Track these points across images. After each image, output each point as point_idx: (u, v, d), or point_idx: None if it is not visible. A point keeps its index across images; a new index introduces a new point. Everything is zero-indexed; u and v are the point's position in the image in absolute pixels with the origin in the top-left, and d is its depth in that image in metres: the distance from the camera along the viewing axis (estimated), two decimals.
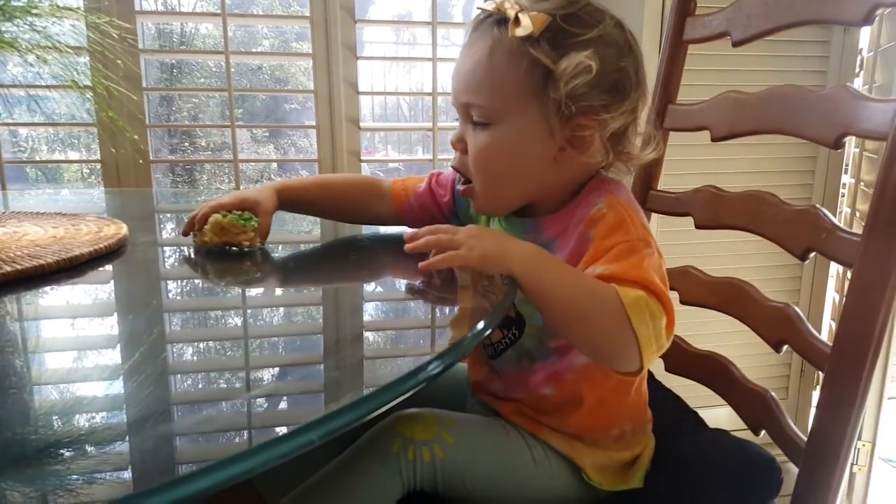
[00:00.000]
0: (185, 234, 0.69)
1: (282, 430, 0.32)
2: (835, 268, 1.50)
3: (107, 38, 0.74)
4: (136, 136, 1.21)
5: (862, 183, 1.39)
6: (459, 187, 0.69)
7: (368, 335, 0.51)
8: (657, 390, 0.81)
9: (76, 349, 0.47)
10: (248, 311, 0.57)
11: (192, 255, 0.69)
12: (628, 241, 0.57)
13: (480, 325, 0.47)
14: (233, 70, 1.33)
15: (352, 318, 0.57)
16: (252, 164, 1.66)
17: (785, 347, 0.70)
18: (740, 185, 0.83)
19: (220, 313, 0.56)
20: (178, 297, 0.61)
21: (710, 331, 0.99)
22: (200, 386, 0.42)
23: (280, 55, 1.76)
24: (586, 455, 0.64)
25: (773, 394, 0.72)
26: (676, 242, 1.18)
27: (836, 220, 0.65)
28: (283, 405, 0.40)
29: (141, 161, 1.32)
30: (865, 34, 1.40)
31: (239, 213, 0.67)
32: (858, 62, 1.43)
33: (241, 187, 1.43)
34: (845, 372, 0.60)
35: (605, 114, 0.59)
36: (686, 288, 0.84)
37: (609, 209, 0.60)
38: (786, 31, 0.73)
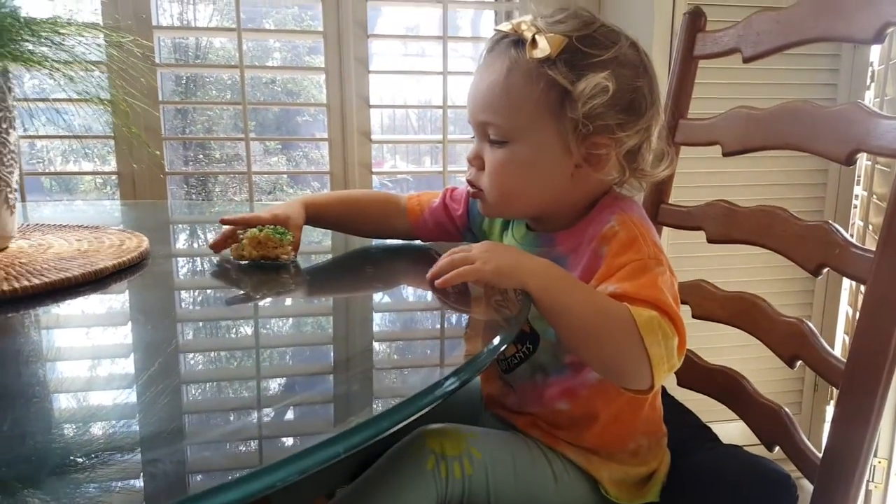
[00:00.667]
0: (217, 249, 0.71)
1: (305, 443, 0.33)
2: (848, 281, 1.49)
3: (131, 57, 0.76)
4: (157, 152, 1.24)
5: (875, 196, 1.39)
6: (470, 190, 0.70)
7: (385, 347, 0.52)
8: (670, 405, 0.81)
9: (96, 358, 0.48)
10: (277, 321, 0.59)
11: (217, 268, 0.70)
12: (640, 260, 0.58)
13: (496, 339, 0.48)
14: (247, 83, 1.35)
15: (363, 330, 0.58)
16: (265, 175, 1.68)
17: (798, 363, 0.70)
18: (752, 197, 0.83)
19: (244, 324, 0.57)
20: (198, 308, 0.62)
21: (723, 345, 0.99)
22: (232, 395, 0.43)
23: (294, 69, 1.78)
24: (603, 469, 0.64)
25: (786, 409, 0.72)
26: (688, 256, 1.18)
27: (848, 236, 0.65)
28: (307, 417, 0.41)
29: (163, 175, 1.34)
30: (876, 48, 1.40)
31: (273, 227, 0.68)
32: (869, 75, 1.43)
33: (255, 198, 1.44)
34: (860, 388, 0.60)
35: (620, 132, 0.60)
36: (698, 302, 0.84)
37: (621, 227, 0.60)
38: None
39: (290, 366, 0.50)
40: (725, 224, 0.81)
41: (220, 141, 1.75)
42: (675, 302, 0.56)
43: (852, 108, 0.65)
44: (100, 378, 0.45)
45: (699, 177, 1.22)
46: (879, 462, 1.36)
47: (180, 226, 1.07)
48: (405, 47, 1.79)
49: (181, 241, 0.95)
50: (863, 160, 1.47)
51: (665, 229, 0.94)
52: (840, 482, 0.61)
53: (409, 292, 0.69)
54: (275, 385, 0.45)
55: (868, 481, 1.38)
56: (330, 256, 0.87)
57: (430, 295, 0.61)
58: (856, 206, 1.50)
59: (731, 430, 0.78)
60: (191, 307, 0.63)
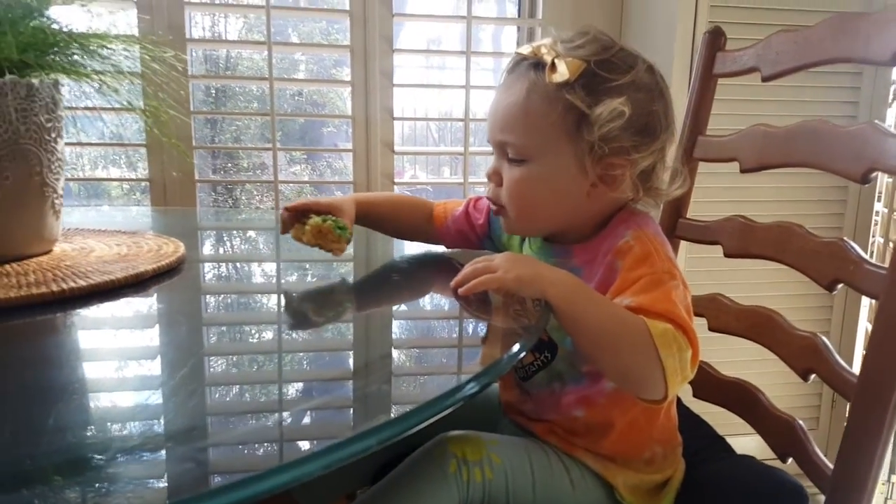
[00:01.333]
0: (283, 232, 0.75)
1: (342, 434, 0.35)
2: (867, 297, 1.48)
3: (172, 70, 0.80)
4: (194, 162, 1.28)
5: (895, 213, 1.39)
6: (493, 207, 0.72)
7: (405, 353, 0.54)
8: (685, 416, 0.82)
9: (135, 358, 0.51)
10: (334, 327, 0.61)
11: (249, 273, 0.74)
12: (654, 274, 0.60)
13: (516, 347, 0.50)
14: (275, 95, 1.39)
15: (382, 336, 0.60)
16: (291, 184, 1.73)
17: (812, 376, 0.71)
18: (771, 213, 0.84)
19: (266, 329, 0.60)
20: (228, 313, 0.65)
21: (739, 358, 0.99)
22: (264, 399, 0.46)
23: (321, 82, 1.83)
24: (619, 475, 0.66)
25: (801, 422, 0.73)
26: (706, 270, 1.19)
27: (862, 253, 0.66)
28: (336, 417, 0.43)
29: (196, 183, 1.39)
30: None
31: (334, 219, 0.72)
32: (892, 92, 1.43)
33: (280, 207, 1.48)
34: (872, 402, 0.61)
35: (635, 153, 0.62)
36: (714, 315, 0.86)
37: (636, 241, 0.62)
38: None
39: (336, 369, 0.52)
40: (742, 239, 0.82)
41: (248, 150, 1.80)
42: (688, 315, 0.58)
43: (868, 127, 0.67)
44: (129, 379, 0.48)
45: (718, 192, 1.23)
46: None
47: (212, 232, 1.11)
48: (426, 60, 1.83)
49: (213, 247, 0.98)
50: (883, 177, 1.47)
51: (683, 243, 0.95)
52: (851, 496, 0.62)
53: (433, 301, 0.71)
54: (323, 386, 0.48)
55: (886, 499, 1.37)
56: (352, 263, 0.90)
57: (449, 304, 0.63)
58: (876, 223, 1.50)
59: (747, 443, 0.78)
60: (223, 311, 0.67)
